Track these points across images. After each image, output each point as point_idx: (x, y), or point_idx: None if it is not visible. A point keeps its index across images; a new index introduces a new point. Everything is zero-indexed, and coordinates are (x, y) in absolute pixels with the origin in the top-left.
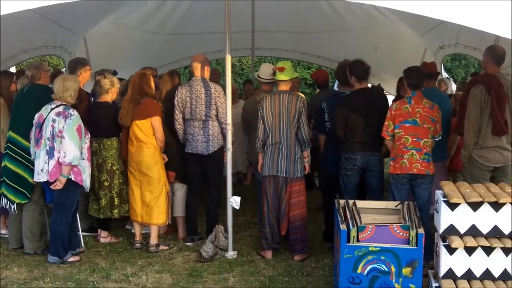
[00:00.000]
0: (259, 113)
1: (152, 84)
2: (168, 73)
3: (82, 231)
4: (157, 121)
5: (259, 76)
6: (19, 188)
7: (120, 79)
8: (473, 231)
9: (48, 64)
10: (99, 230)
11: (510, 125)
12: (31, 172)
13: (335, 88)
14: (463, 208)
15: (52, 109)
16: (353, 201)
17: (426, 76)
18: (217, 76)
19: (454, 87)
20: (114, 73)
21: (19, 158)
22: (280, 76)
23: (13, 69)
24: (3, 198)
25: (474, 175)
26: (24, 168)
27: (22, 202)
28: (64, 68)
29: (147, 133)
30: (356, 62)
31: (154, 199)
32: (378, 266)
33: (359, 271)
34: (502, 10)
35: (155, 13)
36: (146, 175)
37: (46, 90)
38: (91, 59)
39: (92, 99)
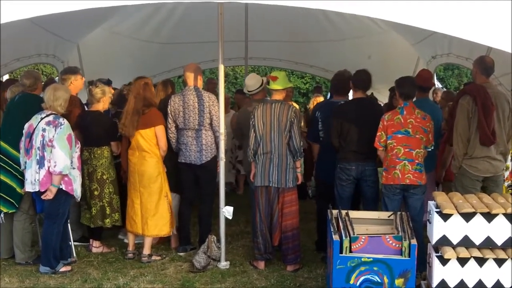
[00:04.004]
0: (250, 122)
1: (154, 93)
2: (162, 83)
3: (74, 241)
4: (161, 130)
5: (248, 91)
6: (6, 197)
7: (113, 89)
8: (466, 242)
9: (41, 73)
10: (91, 240)
11: (498, 135)
12: (19, 181)
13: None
14: (456, 219)
15: (42, 118)
16: (346, 211)
17: (419, 88)
18: (213, 86)
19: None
20: (109, 82)
21: (7, 168)
22: (273, 86)
23: (6, 78)
24: None
25: (465, 185)
26: (12, 178)
27: (10, 211)
28: (58, 77)
29: (150, 142)
30: (358, 71)
31: (156, 211)
32: (371, 277)
33: (352, 282)
34: (497, 21)
35: (149, 22)
36: (148, 187)
37: (38, 100)
38: (85, 67)
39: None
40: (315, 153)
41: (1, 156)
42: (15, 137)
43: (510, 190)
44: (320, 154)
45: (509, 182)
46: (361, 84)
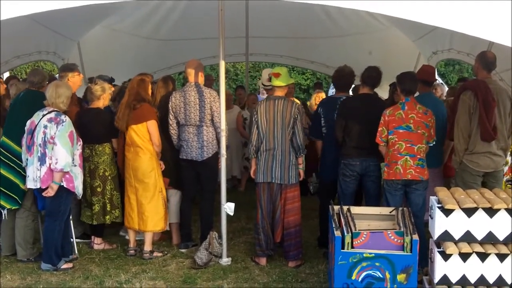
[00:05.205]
0: (253, 119)
1: (149, 90)
2: (162, 79)
3: (76, 238)
4: (153, 125)
5: (262, 84)
6: (10, 193)
7: (114, 85)
8: (468, 237)
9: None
10: (92, 236)
11: (500, 130)
12: (23, 178)
13: (330, 93)
14: (458, 214)
15: (43, 115)
16: (347, 207)
17: (422, 82)
18: (210, 82)
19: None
20: (111, 80)
21: (11, 164)
22: (276, 82)
23: (6, 75)
24: None
25: (465, 180)
26: (15, 174)
27: (13, 207)
28: (58, 74)
29: (143, 138)
30: (369, 67)
31: (150, 206)
32: (372, 273)
33: (353, 277)
34: (498, 15)
35: (149, 19)
36: (142, 182)
37: (42, 97)
38: (85, 64)
39: (86, 105)
40: (319, 149)
41: (5, 152)
42: (18, 133)
43: (509, 185)
44: (323, 150)
45: (508, 177)
46: (369, 80)
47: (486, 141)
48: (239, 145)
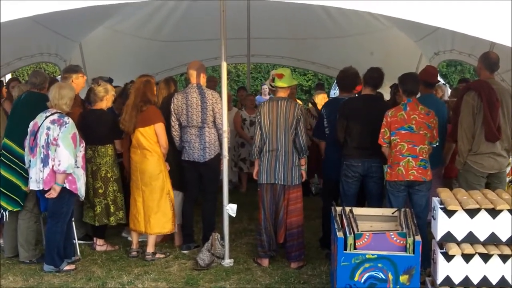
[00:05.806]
0: (256, 119)
1: (155, 92)
2: (164, 81)
3: (78, 239)
4: (160, 127)
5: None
6: (11, 195)
7: (115, 87)
8: (471, 238)
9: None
10: (94, 238)
11: (504, 130)
12: (24, 179)
13: (331, 94)
14: (460, 215)
15: (46, 117)
16: (349, 208)
17: (424, 84)
18: (214, 84)
19: (449, 92)
20: (110, 80)
21: (12, 166)
22: (279, 83)
23: (8, 77)
24: None
25: (469, 181)
26: (17, 176)
27: (15, 209)
28: (60, 76)
29: (151, 140)
30: (371, 68)
31: (158, 209)
32: (375, 274)
33: (356, 279)
34: (499, 16)
35: (151, 20)
36: (149, 185)
37: (43, 99)
38: (87, 66)
39: (88, 106)
40: (322, 150)
41: (7, 154)
42: (20, 135)
43: (511, 186)
44: (326, 151)
45: (510, 177)
46: (371, 81)
47: (490, 141)
48: (235, 146)
